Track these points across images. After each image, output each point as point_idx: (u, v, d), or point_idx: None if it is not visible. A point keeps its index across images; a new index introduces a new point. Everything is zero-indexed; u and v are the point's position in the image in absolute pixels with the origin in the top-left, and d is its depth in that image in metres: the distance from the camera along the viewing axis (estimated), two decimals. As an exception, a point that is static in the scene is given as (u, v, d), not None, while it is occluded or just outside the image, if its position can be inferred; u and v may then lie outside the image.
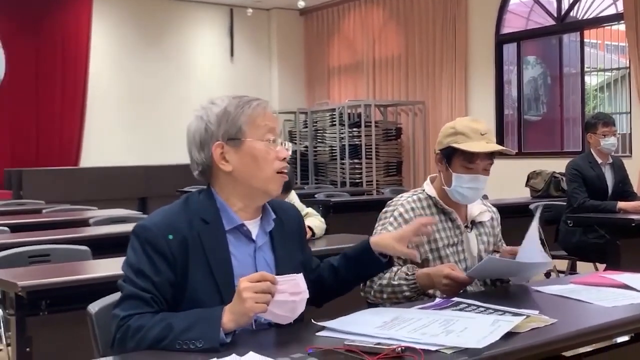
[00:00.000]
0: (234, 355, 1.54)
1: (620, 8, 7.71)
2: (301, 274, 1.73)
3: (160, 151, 10.43)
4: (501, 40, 9.15)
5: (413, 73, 9.94)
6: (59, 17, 10.12)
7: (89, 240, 3.61)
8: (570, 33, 8.64)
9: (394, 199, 2.55)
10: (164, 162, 10.18)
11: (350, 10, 10.99)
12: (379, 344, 1.58)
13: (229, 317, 1.64)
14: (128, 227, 4.35)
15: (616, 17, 7.97)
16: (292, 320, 1.74)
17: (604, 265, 4.87)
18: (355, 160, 9.77)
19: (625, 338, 2.04)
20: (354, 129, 9.82)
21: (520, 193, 6.55)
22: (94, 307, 1.96)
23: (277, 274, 1.71)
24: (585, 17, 8.42)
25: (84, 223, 4.65)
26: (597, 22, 8.36)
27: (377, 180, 9.68)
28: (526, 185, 6.48)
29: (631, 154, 7.56)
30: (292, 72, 11.71)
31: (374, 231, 2.51)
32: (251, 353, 1.54)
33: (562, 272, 5.28)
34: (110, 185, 9.20)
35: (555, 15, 8.66)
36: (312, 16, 11.69)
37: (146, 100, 10.58)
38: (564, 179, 6.23)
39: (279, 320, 1.72)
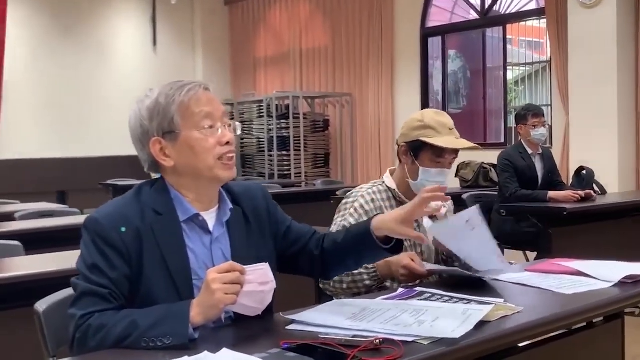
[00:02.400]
0: (206, 352, 1.47)
1: (542, 3, 7.92)
2: (267, 263, 1.67)
3: (81, 144, 10.10)
4: (426, 34, 9.26)
5: (340, 65, 9.95)
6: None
7: (20, 235, 3.42)
8: (493, 27, 8.83)
9: (354, 190, 2.53)
10: (84, 154, 9.86)
11: (276, 1, 10.90)
12: (355, 336, 1.54)
13: (197, 310, 1.57)
14: (58, 221, 4.21)
15: (537, 12, 8.19)
16: (261, 312, 1.68)
17: (534, 254, 5.01)
18: (284, 152, 9.71)
19: (582, 324, 2.07)
20: (282, 121, 9.76)
21: (450, 183, 6.64)
22: (41, 305, 1.85)
23: None
24: (507, 12, 8.61)
25: (9, 217, 4.42)
26: (519, 16, 8.57)
27: (305, 172, 9.66)
28: (456, 175, 6.60)
29: (552, 145, 7.80)
30: (217, 62, 11.53)
31: (334, 222, 2.48)
32: (224, 349, 1.48)
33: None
34: (27, 178, 8.88)
35: (479, 9, 8.83)
36: (237, 6, 11.53)
37: (66, 91, 10.19)
38: (492, 169, 6.40)
39: (248, 312, 1.66)
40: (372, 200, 2.46)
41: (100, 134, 10.25)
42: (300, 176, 9.55)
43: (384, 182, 2.54)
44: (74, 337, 1.60)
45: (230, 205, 1.85)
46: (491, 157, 7.21)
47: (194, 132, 1.74)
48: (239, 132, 1.88)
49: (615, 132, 6.62)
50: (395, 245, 1.89)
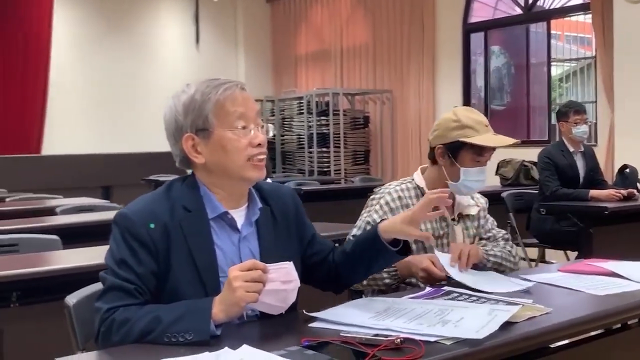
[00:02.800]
0: (226, 348, 1.48)
1: (587, -2, 7.77)
2: (292, 262, 1.67)
3: (125, 139, 10.26)
4: (469, 30, 9.16)
5: (381, 62, 9.91)
6: (21, 3, 9.84)
7: (59, 229, 3.48)
8: (537, 23, 8.69)
9: (383, 187, 2.51)
10: (128, 150, 10.01)
11: (317, -2, 10.91)
12: (376, 335, 1.53)
13: (219, 307, 1.58)
14: (98, 216, 4.27)
15: (582, 7, 8.03)
16: (284, 310, 1.68)
17: (575, 253, 4.91)
18: (323, 149, 9.72)
19: (616, 326, 2.02)
20: (322, 118, 9.76)
21: (490, 181, 6.56)
22: (72, 299, 1.88)
23: None
24: (551, 7, 8.46)
25: (51, 212, 4.51)
26: (564, 12, 8.43)
27: (345, 169, 9.65)
28: (496, 173, 6.50)
29: (597, 142, 7.64)
30: (259, 59, 11.59)
31: (359, 218, 2.47)
32: (245, 346, 1.48)
33: (533, 260, 5.31)
34: (73, 173, 9.03)
35: (523, 4, 8.70)
36: (279, 3, 11.58)
37: (110, 88, 10.37)
38: (533, 167, 6.29)
39: (271, 310, 1.66)
40: (399, 197, 2.43)
41: (143, 130, 10.38)
42: (339, 173, 9.54)
43: (413, 179, 2.51)
44: (98, 331, 1.62)
45: (260, 205, 1.85)
46: (533, 154, 7.08)
47: (227, 131, 1.74)
48: (271, 134, 1.88)
49: (661, 130, 6.46)
50: (403, 248, 1.88)
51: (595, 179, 5.04)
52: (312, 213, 5.77)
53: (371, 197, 2.49)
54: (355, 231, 2.44)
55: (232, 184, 1.79)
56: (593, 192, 4.75)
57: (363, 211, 2.48)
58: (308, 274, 1.93)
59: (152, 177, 8.05)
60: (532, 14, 8.65)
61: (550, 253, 5.62)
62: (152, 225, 1.69)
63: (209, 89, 1.75)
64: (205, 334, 1.54)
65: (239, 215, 1.81)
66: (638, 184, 5.30)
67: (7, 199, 5.58)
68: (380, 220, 1.92)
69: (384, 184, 2.59)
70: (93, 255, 2.85)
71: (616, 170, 5.96)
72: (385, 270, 2.28)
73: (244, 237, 1.80)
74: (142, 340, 1.56)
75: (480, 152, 2.38)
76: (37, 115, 9.95)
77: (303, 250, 1.94)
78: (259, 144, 1.77)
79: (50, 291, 2.51)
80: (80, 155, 9.50)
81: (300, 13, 11.21)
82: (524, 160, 6.41)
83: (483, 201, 2.61)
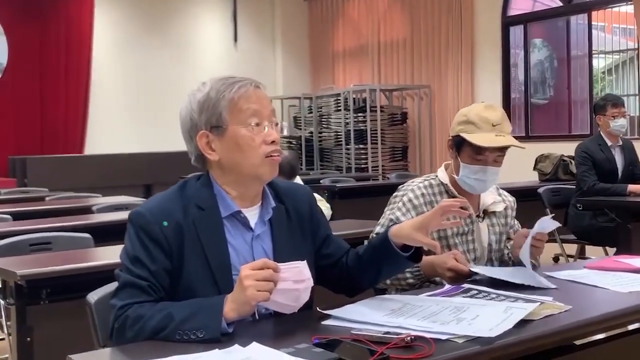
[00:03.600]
0: (236, 345, 1.49)
1: (629, -12, 7.59)
2: (305, 261, 1.66)
3: (165, 138, 10.35)
4: (508, 23, 9.03)
5: (418, 57, 9.83)
6: (62, 4, 10.04)
7: (91, 227, 3.55)
8: (578, 15, 8.52)
9: (406, 184, 2.49)
10: (168, 149, 10.12)
11: (354, -6, 10.87)
12: (387, 333, 1.52)
13: (231, 306, 1.58)
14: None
15: (624, -2, 7.85)
16: (297, 309, 1.67)
17: (614, 249, 4.81)
18: (361, 146, 9.69)
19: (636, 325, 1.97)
20: (359, 114, 9.74)
21: (528, 177, 6.47)
22: (93, 297, 1.91)
23: None
24: (592, -1, 8.30)
25: (87, 211, 4.60)
26: (605, 3, 8.24)
27: (382, 166, 9.61)
28: (534, 168, 6.40)
29: (639, 136, 7.47)
30: (297, 57, 11.61)
31: (383, 215, 2.46)
32: (254, 343, 1.49)
33: (571, 256, 5.21)
34: (115, 172, 9.16)
35: (563, -4, 8.54)
36: (316, 0, 11.58)
37: (150, 87, 10.51)
38: (572, 162, 6.17)
39: (283, 309, 1.66)
40: (422, 194, 2.40)
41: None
42: (377, 170, 9.51)
43: (437, 176, 2.49)
44: (112, 327, 1.64)
45: (273, 204, 1.85)
46: (573, 149, 6.96)
47: (240, 128, 1.75)
48: (285, 132, 1.88)
49: None
50: (415, 254, 1.84)
51: (634, 173, 4.92)
52: (346, 210, 5.81)
53: (394, 194, 2.47)
54: (378, 229, 2.43)
55: (245, 181, 1.80)
56: (631, 187, 4.64)
57: (386, 209, 2.46)
58: (321, 274, 1.91)
59: (190, 176, 8.12)
60: (573, 6, 8.49)
61: (590, 249, 5.52)
62: (165, 223, 1.70)
63: (223, 87, 1.77)
64: (217, 331, 1.55)
65: (252, 214, 1.82)
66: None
67: (47, 198, 5.71)
68: (393, 224, 1.90)
69: None
70: (118, 254, 2.89)
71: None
72: (408, 270, 2.26)
73: (257, 235, 1.80)
74: (155, 337, 1.58)
75: (479, 151, 2.32)
76: (80, 116, 10.14)
77: (317, 250, 1.93)
78: (273, 142, 1.77)
79: (78, 289, 2.54)
80: (121, 154, 9.64)
81: (337, 9, 11.19)
82: (562, 155, 6.29)
83: (511, 199, 2.57)
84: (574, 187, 5.13)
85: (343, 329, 1.59)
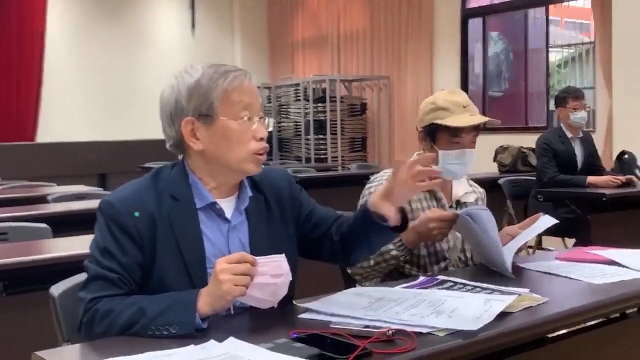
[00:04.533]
0: (212, 341, 1.44)
1: (586, -17, 7.70)
2: (283, 255, 1.61)
3: (121, 126, 10.18)
4: (467, 15, 9.08)
5: (378, 48, 9.82)
6: (14, -11, 9.75)
7: (49, 217, 3.44)
8: (536, 8, 8.60)
9: (378, 174, 2.46)
10: (124, 137, 9.94)
11: (314, -17, 10.80)
12: (367, 326, 1.49)
13: (205, 300, 1.53)
14: (89, 204, 4.20)
15: (581, -8, 7.96)
16: (274, 304, 1.62)
17: (572, 240, 4.87)
18: (320, 136, 9.65)
19: (615, 315, 1.98)
20: (319, 105, 9.69)
21: (488, 168, 6.52)
22: (57, 289, 1.83)
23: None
24: (550, -8, 8.39)
25: (43, 200, 4.46)
26: (563, -4, 8.35)
27: (342, 156, 9.59)
28: (494, 160, 6.46)
29: (595, 128, 7.59)
30: (256, 46, 11.49)
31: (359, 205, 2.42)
32: (231, 338, 1.44)
33: (531, 247, 5.27)
34: (69, 161, 8.97)
35: (521, -11, 8.61)
36: (275, -11, 11.47)
37: (105, 75, 10.27)
38: (531, 153, 6.24)
39: (260, 304, 1.60)
40: None
41: (139, 117, 10.30)
42: (336, 160, 9.49)
43: None
44: (81, 321, 1.58)
45: (250, 193, 1.79)
46: (531, 141, 7.00)
47: (231, 121, 1.69)
48: (271, 127, 1.82)
49: (660, 116, 6.40)
50: (401, 225, 1.76)
51: (593, 165, 5.00)
52: (308, 200, 5.72)
53: (367, 185, 2.43)
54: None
55: (227, 173, 1.74)
56: (591, 179, 4.70)
57: (362, 198, 2.42)
58: (314, 249, 1.88)
59: (148, 165, 8.00)
60: (531, -1, 8.57)
61: (546, 240, 5.58)
62: (137, 214, 1.64)
63: (217, 75, 1.69)
64: (190, 327, 1.49)
65: (227, 205, 1.76)
66: (636, 171, 5.25)
67: (0, 187, 5.53)
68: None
69: (379, 171, 2.54)
70: (83, 244, 2.77)
71: (614, 157, 5.91)
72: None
73: (233, 226, 1.75)
74: (126, 332, 1.52)
75: (456, 134, 2.32)
76: (32, 103, 9.86)
77: (301, 228, 1.87)
78: (262, 138, 1.72)
79: (38, 281, 2.46)
80: (75, 142, 9.43)
81: (297, -1, 11.11)
82: (521, 147, 6.36)
83: (481, 190, 2.57)
84: (534, 178, 5.18)
85: (321, 323, 1.55)
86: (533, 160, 6.14)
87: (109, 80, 10.28)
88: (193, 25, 11.20)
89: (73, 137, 9.60)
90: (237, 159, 1.70)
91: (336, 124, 9.52)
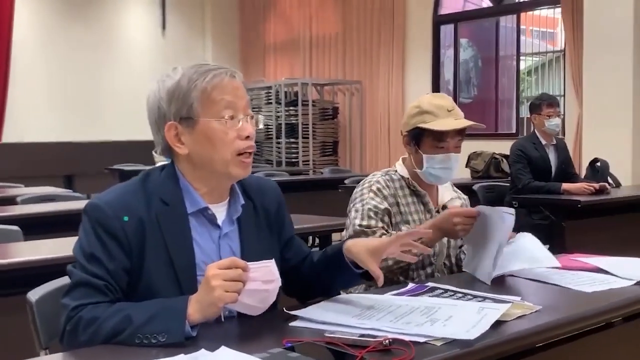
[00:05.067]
0: (203, 350, 1.38)
1: (557, -8, 7.77)
2: (273, 260, 1.56)
3: (88, 127, 10.02)
4: (439, 21, 9.12)
5: (350, 52, 9.82)
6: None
7: (20, 219, 3.33)
8: (507, 16, 8.68)
9: (367, 178, 2.43)
10: (92, 138, 9.78)
11: (286, -14, 10.76)
12: (362, 335, 1.45)
13: (195, 307, 1.47)
14: (59, 206, 4.11)
15: (552, 1, 8.03)
16: (263, 311, 1.58)
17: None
18: (292, 140, 9.61)
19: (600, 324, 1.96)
20: (291, 108, 9.65)
21: (460, 174, 6.53)
22: (34, 295, 1.76)
23: None
24: (522, 0, 8.46)
25: (11, 201, 4.34)
26: (534, 4, 8.42)
27: (313, 160, 9.55)
28: (466, 166, 6.48)
29: (564, 136, 7.67)
30: (227, 47, 11.40)
31: (348, 209, 2.38)
32: (223, 348, 1.39)
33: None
34: (35, 162, 8.81)
35: (493, -3, 8.68)
36: (247, -9, 11.40)
37: (73, 75, 10.09)
38: (503, 160, 6.28)
39: (250, 311, 1.56)
40: (387, 186, 2.37)
41: (107, 118, 10.18)
42: (308, 164, 9.45)
43: (396, 170, 2.45)
44: (64, 329, 1.51)
45: (242, 201, 1.74)
46: (502, 147, 7.08)
47: (212, 121, 1.63)
48: (260, 125, 1.77)
49: (629, 125, 6.47)
50: (367, 273, 1.70)
51: (567, 172, 5.03)
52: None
53: (358, 189, 2.40)
54: (359, 221, 2.29)
55: (215, 178, 1.68)
56: (565, 186, 4.74)
57: (353, 204, 2.38)
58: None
59: (116, 167, 7.87)
60: (502, 7, 8.64)
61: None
62: (126, 218, 1.57)
63: (196, 75, 1.63)
64: (180, 335, 1.43)
65: (219, 211, 1.71)
66: (609, 178, 5.30)
67: (-35, 188, 5.38)
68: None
69: (354, 176, 2.54)
70: (56, 248, 2.72)
71: (584, 164, 5.97)
72: None
73: (224, 234, 1.70)
74: (112, 341, 1.46)
75: (441, 138, 2.31)
76: (-3, 102, 9.66)
77: (280, 250, 1.83)
78: (248, 137, 1.66)
79: (10, 285, 2.38)
80: (42, 143, 9.26)
81: (269, 1, 11.05)
82: (494, 153, 6.40)
83: (465, 197, 2.56)
84: (507, 184, 5.20)
85: (314, 331, 1.51)
86: (505, 166, 6.18)
87: (77, 81, 10.11)
88: (163, 26, 11.08)
89: (39, 138, 9.42)
90: (222, 160, 1.64)
91: (308, 128, 9.49)
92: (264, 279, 1.52)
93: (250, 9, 11.33)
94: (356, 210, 2.34)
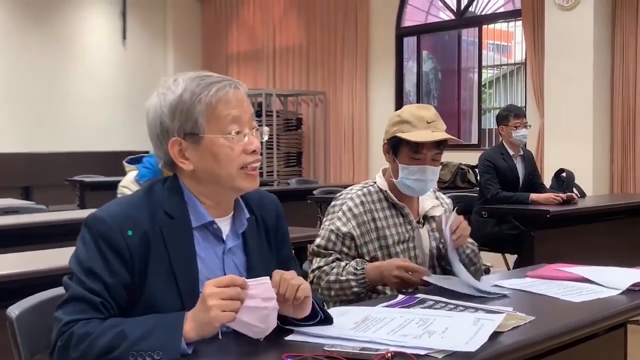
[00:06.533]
0: (200, 366, 1.34)
1: (518, 5, 7.89)
2: (268, 278, 1.52)
3: (47, 138, 9.83)
4: (402, 34, 9.19)
5: (314, 63, 9.82)
6: None
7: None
8: (469, 28, 8.79)
9: (344, 192, 2.41)
10: (51, 149, 9.59)
11: (249, -3, 10.73)
12: (363, 349, 1.42)
13: (191, 325, 1.43)
14: (22, 219, 4.00)
15: (513, 14, 8.16)
16: (265, 333, 1.50)
17: (514, 257, 4.95)
18: (255, 150, 9.55)
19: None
20: (255, 119, 9.57)
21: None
22: (14, 310, 1.70)
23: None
24: (483, 13, 8.58)
25: (-28, 214, 4.20)
26: (495, 18, 8.55)
27: (278, 171, 9.52)
28: (433, 176, 6.51)
29: (526, 147, 7.77)
30: (189, 58, 11.30)
31: (322, 226, 2.36)
32: (222, 364, 1.35)
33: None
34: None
35: (455, 10, 8.78)
36: (209, 0, 11.33)
37: (31, 84, 9.89)
38: (470, 170, 6.33)
39: (249, 331, 1.49)
40: (362, 202, 2.34)
41: (66, 129, 10.02)
42: (272, 175, 9.41)
43: (375, 182, 2.42)
44: (55, 344, 1.45)
45: (247, 215, 1.69)
46: (466, 158, 7.16)
47: (219, 137, 1.58)
48: (265, 137, 1.73)
49: (590, 135, 6.61)
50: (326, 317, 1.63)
51: (534, 182, 5.09)
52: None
53: (332, 204, 2.38)
54: (319, 241, 2.33)
55: (221, 192, 1.64)
56: (533, 196, 4.79)
57: (325, 219, 2.37)
58: None
59: (76, 178, 7.72)
60: (464, 20, 8.75)
61: (488, 256, 5.64)
62: (130, 233, 1.52)
63: (199, 89, 1.58)
64: (176, 352, 1.39)
65: (224, 225, 1.66)
66: (574, 188, 5.38)
67: None
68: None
69: (321, 187, 2.53)
70: (23, 262, 2.63)
71: (546, 174, 6.06)
72: (352, 277, 2.19)
73: (229, 249, 1.65)
74: (105, 357, 1.40)
75: (417, 149, 2.29)
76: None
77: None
78: (254, 151, 1.62)
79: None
80: (-1, 153, 9.07)
81: (232, 11, 11.00)
82: (460, 164, 6.45)
83: (448, 201, 2.54)
84: (475, 194, 5.24)
85: (313, 345, 1.48)
86: (472, 177, 6.24)
87: (34, 90, 9.92)
88: (124, 36, 10.94)
89: (-5, 148, 9.22)
90: (228, 175, 1.60)
91: (272, 139, 9.45)
92: (263, 296, 1.47)
93: (212, 19, 11.27)
94: (322, 228, 2.34)
